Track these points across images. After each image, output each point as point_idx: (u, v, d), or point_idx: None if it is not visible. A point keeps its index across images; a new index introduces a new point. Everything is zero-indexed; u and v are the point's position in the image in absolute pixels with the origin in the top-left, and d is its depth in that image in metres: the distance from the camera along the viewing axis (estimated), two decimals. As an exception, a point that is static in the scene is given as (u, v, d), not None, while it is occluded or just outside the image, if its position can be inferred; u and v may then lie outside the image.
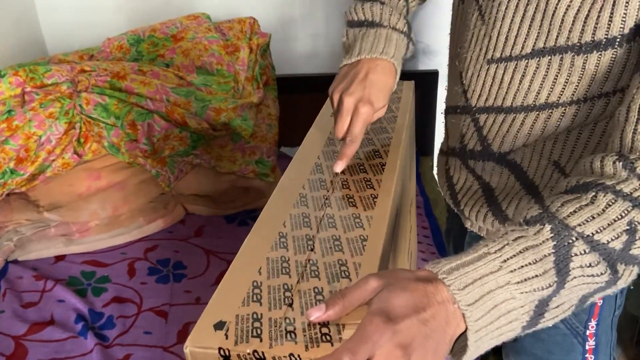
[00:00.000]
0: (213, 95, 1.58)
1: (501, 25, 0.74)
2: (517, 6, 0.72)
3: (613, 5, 0.63)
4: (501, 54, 0.75)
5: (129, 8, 1.94)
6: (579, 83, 0.70)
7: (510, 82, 0.75)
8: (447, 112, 0.93)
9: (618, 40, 0.65)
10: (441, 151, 0.97)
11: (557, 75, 0.71)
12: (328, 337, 0.50)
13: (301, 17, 2.00)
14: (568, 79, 0.70)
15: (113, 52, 1.71)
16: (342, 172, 0.77)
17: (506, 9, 0.73)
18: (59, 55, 1.73)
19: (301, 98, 1.96)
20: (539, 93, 0.73)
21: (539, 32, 0.70)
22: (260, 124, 1.71)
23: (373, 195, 0.71)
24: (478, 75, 0.79)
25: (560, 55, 0.69)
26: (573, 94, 0.72)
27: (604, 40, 0.66)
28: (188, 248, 1.58)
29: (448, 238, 1.13)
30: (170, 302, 1.37)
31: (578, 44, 0.67)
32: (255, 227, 0.66)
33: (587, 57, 0.68)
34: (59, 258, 1.53)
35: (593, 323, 0.86)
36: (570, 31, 0.67)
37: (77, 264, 1.51)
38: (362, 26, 0.86)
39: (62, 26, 1.94)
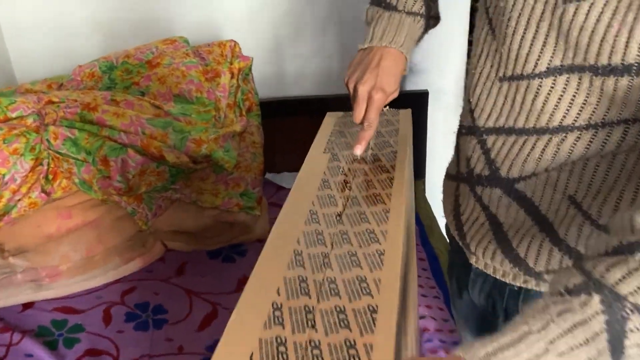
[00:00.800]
0: (193, 125, 1.47)
1: (511, 41, 0.69)
2: (528, 22, 0.66)
3: (630, 31, 0.58)
4: (513, 71, 0.70)
5: (103, 33, 1.84)
6: (597, 105, 0.65)
7: (522, 102, 0.70)
8: (458, 132, 0.89)
9: (635, 68, 0.60)
10: (449, 175, 0.91)
11: (574, 96, 0.65)
12: None
13: (286, 38, 1.92)
14: (586, 100, 0.65)
15: (84, 80, 1.60)
16: (342, 223, 0.68)
17: (517, 24, 0.67)
18: (26, 85, 1.62)
19: (287, 122, 1.89)
20: (552, 114, 0.68)
21: (554, 50, 0.65)
22: (244, 153, 1.61)
23: (379, 252, 0.62)
24: (488, 94, 0.74)
25: (579, 75, 0.64)
26: (590, 117, 0.66)
27: (620, 65, 0.60)
28: (169, 289, 1.47)
29: (451, 273, 1.04)
30: (150, 353, 1.26)
31: (595, 66, 0.62)
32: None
33: (604, 79, 0.62)
34: (27, 305, 1.41)
35: None
36: (586, 52, 0.62)
37: (47, 311, 1.39)
38: (380, 6, 0.90)
39: (31, 52, 1.83)
